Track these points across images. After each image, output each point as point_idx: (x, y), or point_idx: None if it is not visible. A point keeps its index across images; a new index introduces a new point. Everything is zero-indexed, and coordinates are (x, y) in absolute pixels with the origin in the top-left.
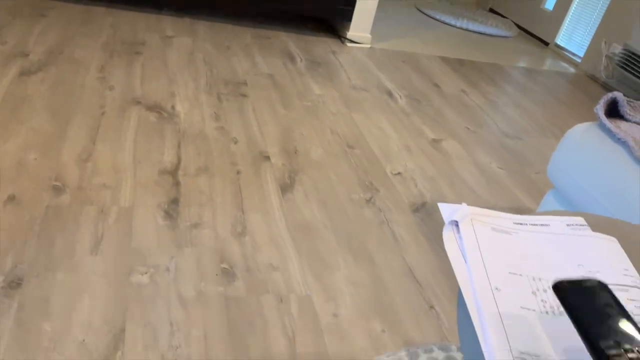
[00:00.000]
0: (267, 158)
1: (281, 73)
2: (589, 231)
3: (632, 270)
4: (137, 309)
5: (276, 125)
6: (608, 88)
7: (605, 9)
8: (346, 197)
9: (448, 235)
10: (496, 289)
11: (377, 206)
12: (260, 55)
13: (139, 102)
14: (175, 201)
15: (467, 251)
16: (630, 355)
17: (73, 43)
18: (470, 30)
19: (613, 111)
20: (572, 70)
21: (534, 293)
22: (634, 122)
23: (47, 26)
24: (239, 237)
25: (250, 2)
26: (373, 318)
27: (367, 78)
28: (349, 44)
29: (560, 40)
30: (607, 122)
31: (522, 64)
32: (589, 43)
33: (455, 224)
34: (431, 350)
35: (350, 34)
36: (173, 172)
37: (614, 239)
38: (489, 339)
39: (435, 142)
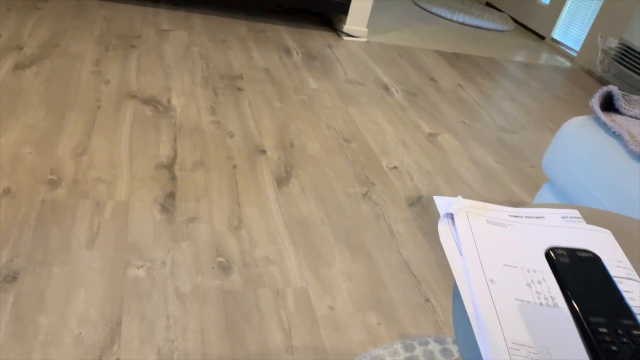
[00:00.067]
0: (263, 152)
1: (277, 67)
2: (583, 224)
3: (626, 262)
4: (133, 303)
5: (272, 119)
6: (604, 82)
7: (601, 3)
8: (342, 191)
9: (443, 228)
10: (491, 281)
11: (373, 200)
12: (256, 49)
13: (134, 96)
14: (171, 195)
15: (462, 244)
16: (623, 339)
17: (67, 36)
18: (466, 24)
19: (608, 105)
20: (568, 64)
21: (528, 285)
22: (629, 116)
23: (41, 19)
24: (235, 231)
25: None
26: (369, 311)
27: (364, 72)
28: (345, 38)
29: (557, 34)
30: (602, 115)
31: (518, 58)
32: (585, 37)
33: (451, 216)
34: (427, 343)
35: (347, 27)
36: (169, 166)
37: (608, 231)
38: (484, 330)
39: (431, 136)
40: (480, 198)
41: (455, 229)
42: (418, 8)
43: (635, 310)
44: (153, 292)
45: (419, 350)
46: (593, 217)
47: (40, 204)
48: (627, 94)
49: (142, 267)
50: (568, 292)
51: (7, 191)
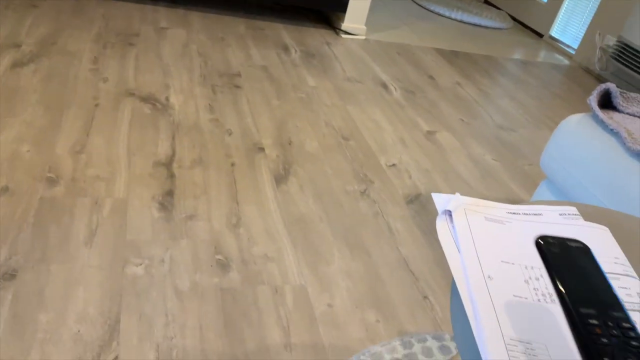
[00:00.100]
0: (262, 150)
1: (275, 64)
2: (581, 220)
3: (623, 258)
4: (132, 301)
5: (270, 117)
6: (602, 80)
7: (599, 0)
8: (341, 189)
9: (441, 225)
10: (489, 277)
11: (371, 198)
12: (255, 47)
13: (132, 94)
14: (169, 193)
15: (460, 240)
16: (613, 332)
17: (65, 34)
18: (465, 22)
19: (606, 102)
20: (566, 62)
21: (526, 281)
22: (627, 113)
23: (39, 17)
24: (233, 229)
25: None
26: (368, 308)
27: (362, 70)
28: (343, 36)
29: (555, 32)
30: (600, 113)
31: (516, 56)
32: (583, 35)
33: (449, 213)
34: (425, 340)
35: (345, 25)
36: (167, 164)
37: (605, 228)
38: (482, 326)
39: (429, 134)
40: (479, 196)
41: (453, 226)
42: (416, 6)
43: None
44: (152, 290)
45: (417, 347)
46: (590, 214)
47: (38, 202)
48: (624, 91)
49: (140, 264)
50: (558, 282)
51: (5, 189)
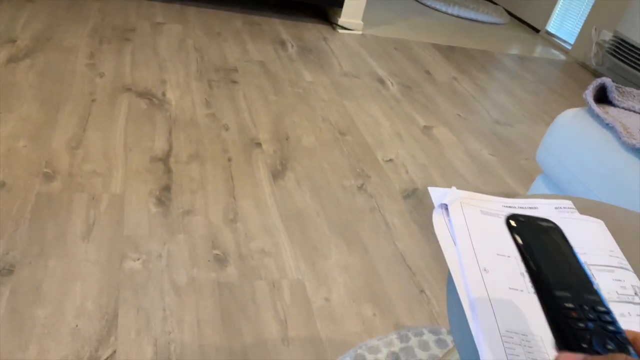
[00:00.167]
0: (259, 145)
1: (272, 59)
2: (576, 214)
3: (618, 251)
4: (129, 295)
5: (267, 112)
6: (598, 75)
7: None
8: (338, 184)
9: (438, 218)
10: (485, 270)
11: (368, 193)
12: (251, 42)
13: (129, 89)
14: (167, 188)
15: (456, 234)
16: (589, 315)
17: (61, 29)
18: (461, 17)
19: (602, 97)
20: (562, 57)
21: (521, 274)
22: (623, 108)
23: (34, 12)
24: (230, 224)
25: None
26: (364, 302)
27: (359, 65)
28: (340, 31)
29: (551, 27)
30: (596, 107)
31: (513, 51)
32: (579, 30)
33: (445, 207)
34: (421, 334)
35: (342, 20)
36: (164, 159)
37: (600, 221)
38: (477, 318)
39: (426, 129)
40: (475, 190)
41: (449, 220)
42: (413, 1)
43: (627, 299)
44: (149, 285)
45: (414, 341)
46: (586, 207)
47: (35, 197)
48: (620, 86)
49: (138, 259)
50: (531, 263)
51: (2, 184)
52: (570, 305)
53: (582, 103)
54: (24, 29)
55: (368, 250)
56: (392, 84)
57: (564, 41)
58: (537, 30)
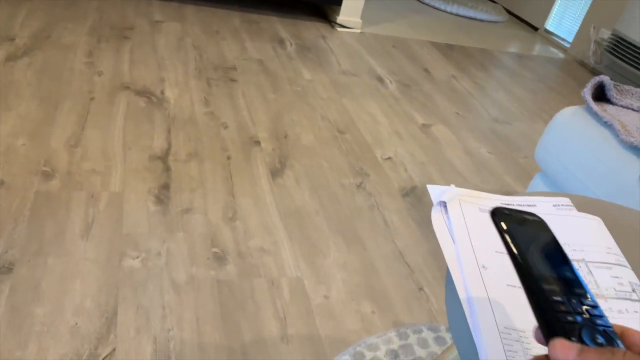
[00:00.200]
0: (257, 143)
1: (271, 58)
2: (574, 211)
3: (616, 248)
4: (129, 293)
5: (266, 111)
6: (596, 73)
7: None
8: (337, 182)
9: (436, 216)
10: (483, 267)
11: (367, 191)
12: (250, 40)
13: (128, 88)
14: (165, 186)
15: (454, 231)
16: (578, 309)
17: (59, 27)
18: (460, 15)
19: (600, 95)
20: (561, 55)
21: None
22: (621, 106)
23: (32, 10)
24: (230, 222)
25: None
26: (363, 300)
27: (358, 63)
28: (339, 29)
29: (550, 25)
30: (594, 105)
31: (511, 49)
32: (578, 28)
33: (444, 204)
34: (420, 331)
35: (341, 18)
36: (163, 158)
37: (598, 218)
38: (476, 315)
39: (425, 127)
40: (474, 188)
41: (448, 217)
42: None
43: (624, 295)
44: (148, 283)
45: (412, 338)
46: (584, 204)
47: (34, 196)
48: (618, 84)
49: (137, 257)
50: (518, 256)
51: (1, 183)
52: (558, 298)
53: (581, 101)
54: (22, 27)
55: (367, 248)
56: (390, 82)
57: (563, 39)
58: (535, 29)
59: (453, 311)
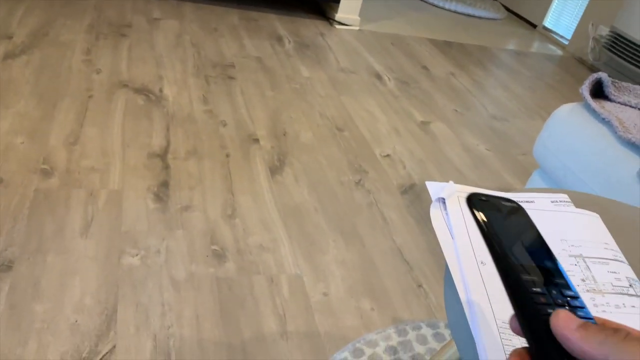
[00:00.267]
0: (256, 141)
1: (269, 55)
2: (572, 207)
3: (613, 244)
4: (128, 291)
5: (265, 108)
6: (595, 70)
7: None
8: (335, 179)
9: (435, 212)
10: (482, 263)
11: (366, 188)
12: (248, 38)
13: (126, 85)
14: (165, 184)
15: (453, 227)
16: (558, 301)
17: (57, 25)
18: (458, 13)
19: (598, 92)
20: (559, 52)
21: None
22: (619, 103)
23: (30, 8)
24: (229, 220)
25: None
26: (363, 297)
27: (356, 60)
28: (337, 26)
29: (548, 22)
30: (592, 102)
31: (510, 46)
32: (576, 25)
33: (443, 201)
34: (419, 328)
35: (339, 15)
36: (162, 155)
37: (596, 214)
38: (474, 311)
39: (423, 124)
40: (472, 185)
41: (446, 213)
42: None
43: (622, 290)
44: (148, 280)
45: (411, 335)
46: (582, 201)
47: (33, 194)
48: (616, 80)
49: (136, 255)
50: (495, 244)
51: (0, 180)
52: (538, 290)
53: (579, 98)
54: (20, 25)
55: (366, 245)
56: (389, 79)
57: (561, 36)
58: (534, 26)
59: (452, 307)
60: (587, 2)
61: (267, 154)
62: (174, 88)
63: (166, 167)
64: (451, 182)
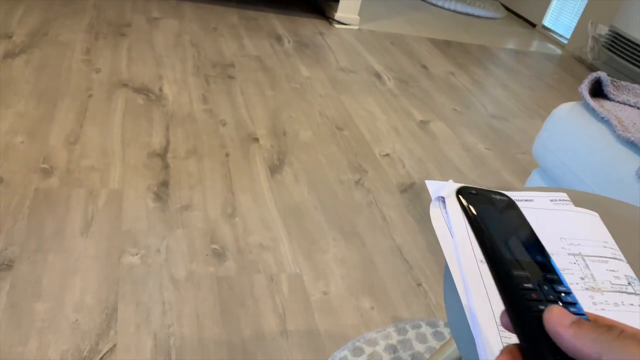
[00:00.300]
0: (256, 140)
1: (268, 54)
2: (571, 206)
3: (612, 242)
4: (129, 290)
5: (264, 107)
6: (594, 69)
7: None
8: (335, 178)
9: (435, 211)
10: (481, 261)
11: (365, 187)
12: (248, 37)
13: (126, 85)
14: (165, 183)
15: (453, 226)
16: (550, 297)
17: (57, 25)
18: (458, 12)
19: (597, 91)
20: (558, 51)
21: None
22: (618, 102)
23: (30, 7)
24: (229, 219)
25: None
26: (362, 296)
27: (355, 60)
28: (336, 25)
29: (548, 21)
30: (591, 101)
31: (509, 45)
32: (575, 25)
33: (442, 200)
34: (419, 326)
35: (338, 15)
36: (162, 155)
37: (595, 213)
38: (474, 309)
39: (423, 123)
40: (472, 184)
41: (446, 212)
42: None
43: (620, 288)
44: (148, 279)
45: (411, 334)
46: (581, 199)
47: (33, 193)
48: (615, 80)
49: (136, 254)
50: (485, 240)
51: (0, 180)
52: (529, 285)
53: (578, 97)
54: (19, 24)
55: (365, 244)
56: (388, 78)
57: (560, 35)
58: (533, 25)
59: (451, 306)
60: (586, 2)
61: (266, 153)
62: (173, 87)
63: (166, 166)
64: (451, 181)
